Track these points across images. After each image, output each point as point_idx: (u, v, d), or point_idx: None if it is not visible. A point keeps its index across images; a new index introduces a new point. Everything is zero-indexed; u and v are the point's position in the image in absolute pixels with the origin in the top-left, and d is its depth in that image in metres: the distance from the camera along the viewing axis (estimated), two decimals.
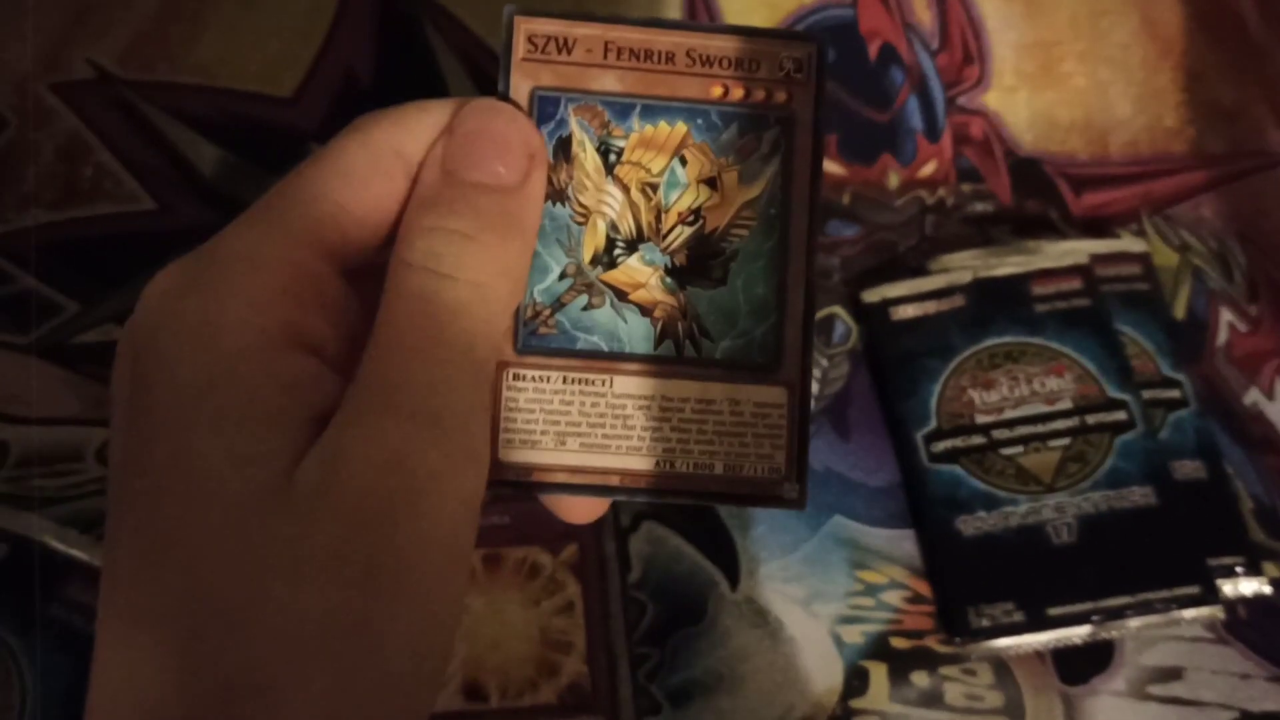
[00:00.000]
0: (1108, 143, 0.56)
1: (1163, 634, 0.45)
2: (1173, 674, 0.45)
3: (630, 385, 0.29)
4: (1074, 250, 0.51)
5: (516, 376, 0.29)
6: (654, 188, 0.30)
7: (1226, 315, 0.52)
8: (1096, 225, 0.54)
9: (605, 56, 0.30)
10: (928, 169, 0.55)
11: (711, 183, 0.30)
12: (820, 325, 0.51)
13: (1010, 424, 0.47)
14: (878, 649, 0.45)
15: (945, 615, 0.45)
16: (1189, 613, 0.43)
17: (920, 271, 0.51)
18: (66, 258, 0.51)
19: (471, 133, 0.28)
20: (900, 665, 0.45)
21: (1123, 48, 0.58)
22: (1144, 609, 0.43)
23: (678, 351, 0.29)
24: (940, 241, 0.53)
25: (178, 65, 0.56)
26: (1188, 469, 0.47)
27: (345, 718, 0.22)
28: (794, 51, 0.30)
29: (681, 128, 0.30)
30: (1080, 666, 0.45)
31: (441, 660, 0.24)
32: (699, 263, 0.29)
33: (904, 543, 0.47)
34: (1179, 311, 0.52)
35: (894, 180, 0.55)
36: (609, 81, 0.30)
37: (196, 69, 0.56)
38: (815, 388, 0.50)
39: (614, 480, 0.28)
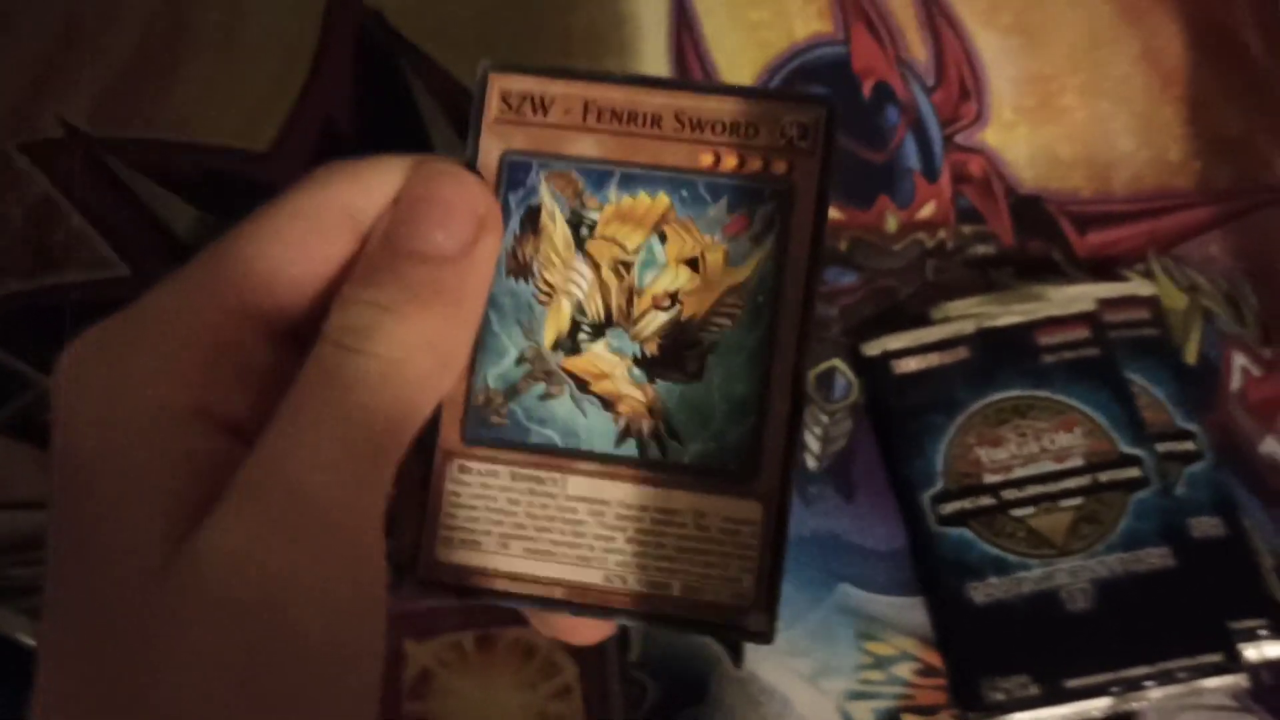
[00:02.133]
0: (1110, 178, 0.55)
1: (1185, 703, 0.43)
2: None
3: (584, 487, 0.26)
4: (1080, 295, 0.49)
5: (462, 469, 0.27)
6: (628, 266, 0.27)
7: (1239, 360, 0.50)
8: (1102, 266, 0.53)
9: (585, 118, 0.27)
10: (927, 210, 0.53)
11: (693, 264, 0.27)
12: (820, 379, 0.49)
13: (1020, 483, 0.45)
14: None
15: (958, 689, 0.44)
16: (1212, 682, 0.42)
17: (922, 320, 0.50)
18: (38, 329, 0.49)
19: (415, 199, 0.26)
20: None
21: (1123, 80, 0.56)
22: (1165, 679, 0.42)
23: (641, 452, 0.26)
24: (942, 287, 0.52)
25: (152, 119, 0.54)
26: (1205, 526, 0.45)
27: None
28: (799, 115, 0.26)
29: (663, 200, 0.27)
30: None
31: None
32: (672, 353, 0.26)
33: (913, 611, 0.45)
34: (1190, 356, 0.50)
35: (892, 223, 0.53)
36: (586, 146, 0.27)
37: (171, 122, 0.54)
38: (816, 446, 0.48)
39: (557, 593, 0.26)
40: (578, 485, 0.26)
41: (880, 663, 0.44)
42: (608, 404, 0.27)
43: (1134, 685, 0.42)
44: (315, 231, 0.25)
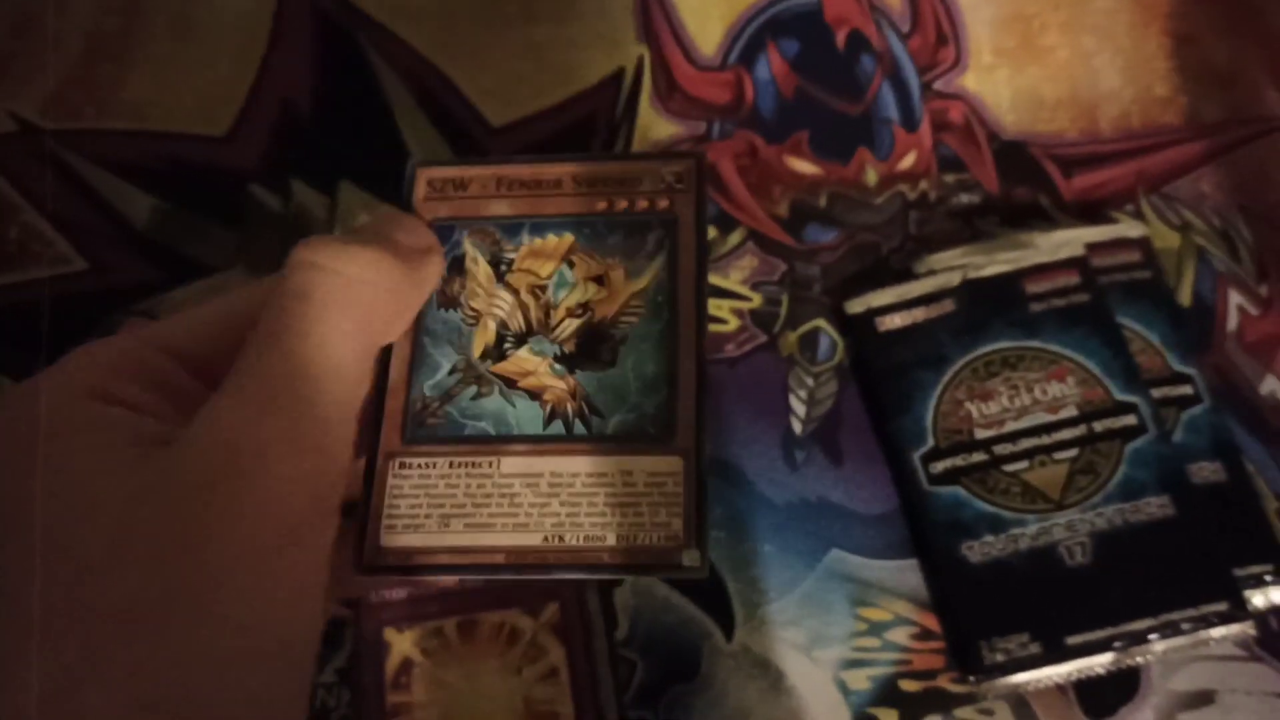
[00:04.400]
0: (1097, 118, 0.53)
1: (1191, 655, 0.42)
2: (1204, 698, 0.42)
3: (518, 465, 0.28)
4: (1068, 240, 0.47)
5: (402, 465, 0.29)
6: (543, 288, 0.31)
7: (1235, 298, 0.49)
8: (1090, 209, 0.51)
9: (497, 189, 0.32)
10: (907, 161, 0.52)
11: (599, 280, 0.31)
12: (804, 341, 0.48)
13: (1012, 437, 0.44)
14: (887, 694, 0.42)
15: (956, 651, 0.42)
16: (1217, 631, 0.40)
17: (906, 275, 0.48)
18: None
19: (380, 216, 0.30)
20: (912, 710, 0.42)
21: (1106, 14, 0.55)
22: (1169, 631, 0.40)
23: (567, 430, 0.29)
24: (926, 240, 0.50)
25: (106, 109, 0.52)
26: (1205, 472, 0.43)
27: (169, 691, 0.23)
28: (674, 167, 0.31)
29: (568, 238, 0.31)
30: (1105, 697, 0.42)
31: (284, 636, 0.25)
32: (588, 348, 0.30)
33: (908, 574, 0.44)
34: (1184, 298, 0.48)
35: (872, 176, 0.51)
36: (500, 208, 0.32)
37: (127, 110, 0.52)
38: (802, 409, 0.46)
39: (498, 558, 0.28)
40: (511, 464, 0.29)
41: (875, 629, 0.43)
42: (534, 395, 0.29)
43: (1137, 639, 0.40)
44: (238, 298, 0.29)
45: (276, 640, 0.24)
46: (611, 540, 0.28)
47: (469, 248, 0.31)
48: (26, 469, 0.24)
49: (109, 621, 0.23)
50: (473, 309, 0.30)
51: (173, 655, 0.23)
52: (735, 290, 0.49)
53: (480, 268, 0.31)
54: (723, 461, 0.45)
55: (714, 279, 0.49)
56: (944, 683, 0.42)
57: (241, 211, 0.50)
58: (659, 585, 0.43)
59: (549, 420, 0.29)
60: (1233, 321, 0.48)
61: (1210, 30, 0.54)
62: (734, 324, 0.48)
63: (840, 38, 0.53)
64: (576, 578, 0.28)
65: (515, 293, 0.30)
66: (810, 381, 0.47)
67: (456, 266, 0.31)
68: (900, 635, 0.43)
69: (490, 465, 0.29)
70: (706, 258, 0.31)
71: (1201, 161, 0.52)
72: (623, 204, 0.31)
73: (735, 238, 0.50)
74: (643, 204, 0.31)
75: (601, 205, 0.31)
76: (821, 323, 0.48)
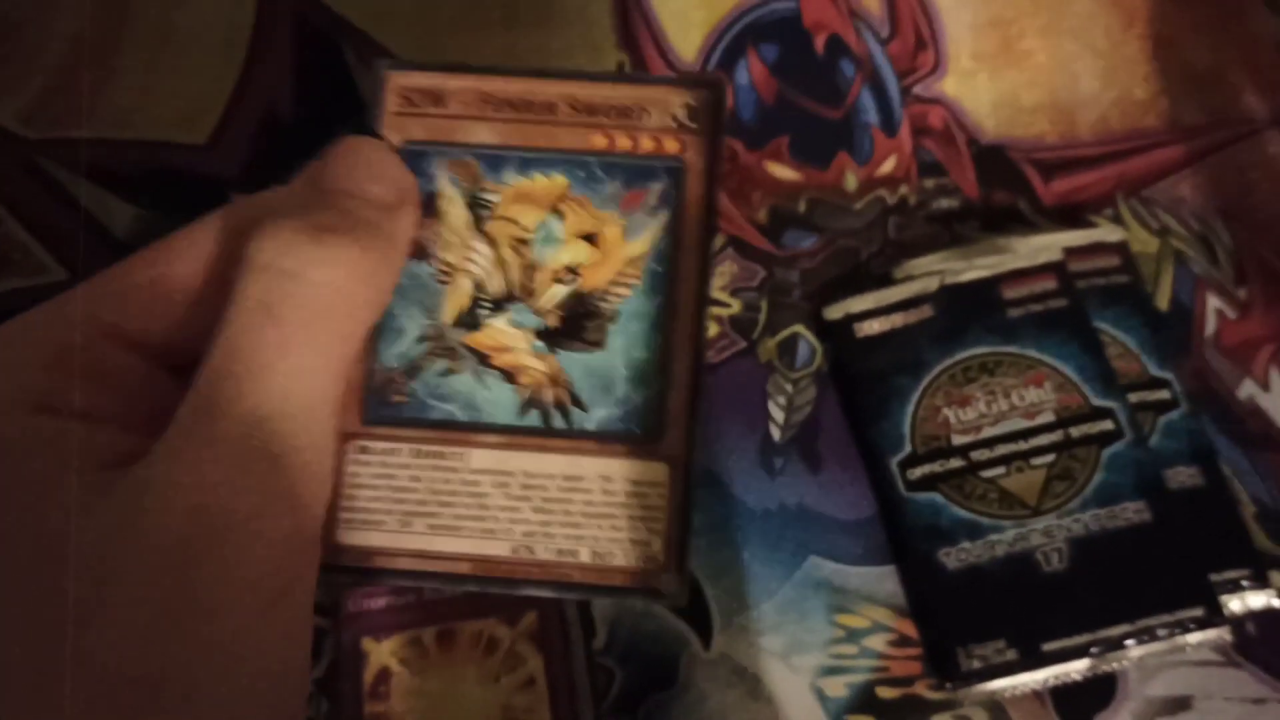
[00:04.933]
0: (1076, 122, 0.53)
1: (1168, 661, 0.42)
2: (1181, 704, 0.42)
3: (488, 459, 0.26)
4: (1046, 245, 0.47)
5: (363, 450, 0.26)
6: (526, 244, 0.27)
7: (1214, 302, 0.49)
8: (1069, 213, 0.51)
9: (481, 109, 0.28)
10: (887, 166, 0.52)
11: (591, 239, 0.27)
12: (783, 347, 0.48)
13: (989, 443, 0.44)
14: (864, 701, 0.42)
15: (933, 658, 0.42)
16: (1194, 637, 0.40)
17: (885, 280, 0.48)
18: None
19: (344, 153, 0.26)
20: (889, 717, 0.42)
21: (1086, 17, 0.55)
22: (1146, 636, 0.40)
23: (545, 422, 0.26)
24: (905, 245, 0.50)
25: (89, 117, 0.52)
26: (1182, 476, 0.43)
27: None
28: (687, 97, 0.28)
29: (560, 181, 0.28)
30: (1082, 704, 0.42)
31: (277, 684, 0.23)
32: (574, 324, 0.27)
33: (886, 580, 0.44)
34: (1162, 302, 0.49)
35: (852, 181, 0.51)
36: (483, 133, 0.28)
37: (109, 118, 0.52)
38: (780, 416, 0.47)
39: (463, 568, 0.26)
40: (481, 458, 0.26)
41: (852, 635, 0.43)
42: (510, 376, 0.27)
43: (1114, 645, 0.40)
44: (179, 245, 0.26)
45: (271, 686, 0.23)
46: (585, 557, 0.26)
47: (444, 184, 0.28)
48: None
49: (110, 675, 0.21)
50: (446, 263, 0.27)
51: (174, 707, 0.21)
52: (715, 297, 0.49)
53: (456, 211, 0.27)
54: (701, 468, 0.45)
55: None
56: (921, 690, 0.42)
57: None
58: None
59: (524, 408, 0.26)
60: (1211, 326, 0.48)
61: (1190, 32, 0.54)
62: (713, 331, 0.48)
63: (819, 43, 0.53)
64: (544, 595, 0.26)
65: (495, 246, 0.27)
66: (789, 388, 0.47)
67: (428, 206, 0.27)
68: (878, 642, 0.43)
69: (458, 458, 0.26)
70: (715, 221, 0.27)
71: (1181, 165, 0.52)
72: (625, 142, 0.28)
73: (715, 244, 0.50)
74: (647, 144, 0.28)
75: (600, 142, 0.28)
76: (800, 328, 0.48)
